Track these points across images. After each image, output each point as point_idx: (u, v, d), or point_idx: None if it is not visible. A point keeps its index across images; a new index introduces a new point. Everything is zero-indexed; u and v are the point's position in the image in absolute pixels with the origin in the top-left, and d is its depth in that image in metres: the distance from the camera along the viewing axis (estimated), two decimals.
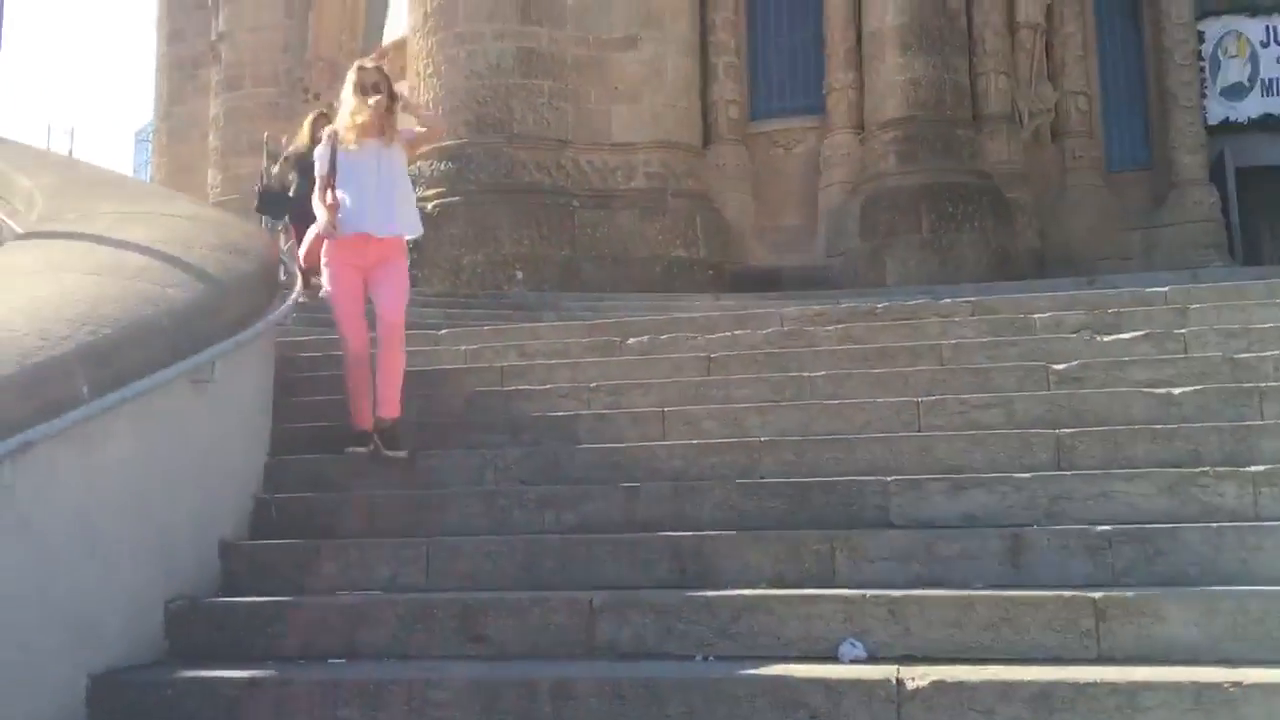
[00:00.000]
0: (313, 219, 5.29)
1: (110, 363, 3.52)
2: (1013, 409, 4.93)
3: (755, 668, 3.27)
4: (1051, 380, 5.28)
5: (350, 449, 4.96)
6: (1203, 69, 15.11)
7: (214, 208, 9.52)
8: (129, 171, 33.82)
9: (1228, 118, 15.31)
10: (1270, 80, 15.41)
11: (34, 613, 3.20)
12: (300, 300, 6.33)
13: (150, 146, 28.83)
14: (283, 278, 6.01)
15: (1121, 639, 3.28)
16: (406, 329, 5.25)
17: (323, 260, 5.15)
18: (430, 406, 5.70)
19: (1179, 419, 4.69)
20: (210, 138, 20.46)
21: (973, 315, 6.52)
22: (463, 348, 6.94)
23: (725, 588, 3.73)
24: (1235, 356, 5.22)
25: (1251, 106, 15.37)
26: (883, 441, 4.66)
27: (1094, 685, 2.99)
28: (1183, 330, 5.78)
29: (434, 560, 4.13)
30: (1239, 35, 15.51)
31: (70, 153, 23.94)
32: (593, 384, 5.80)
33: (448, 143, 12.45)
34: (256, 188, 10.53)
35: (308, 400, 5.63)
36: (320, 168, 5.06)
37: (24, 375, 3.21)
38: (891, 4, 13.26)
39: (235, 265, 4.75)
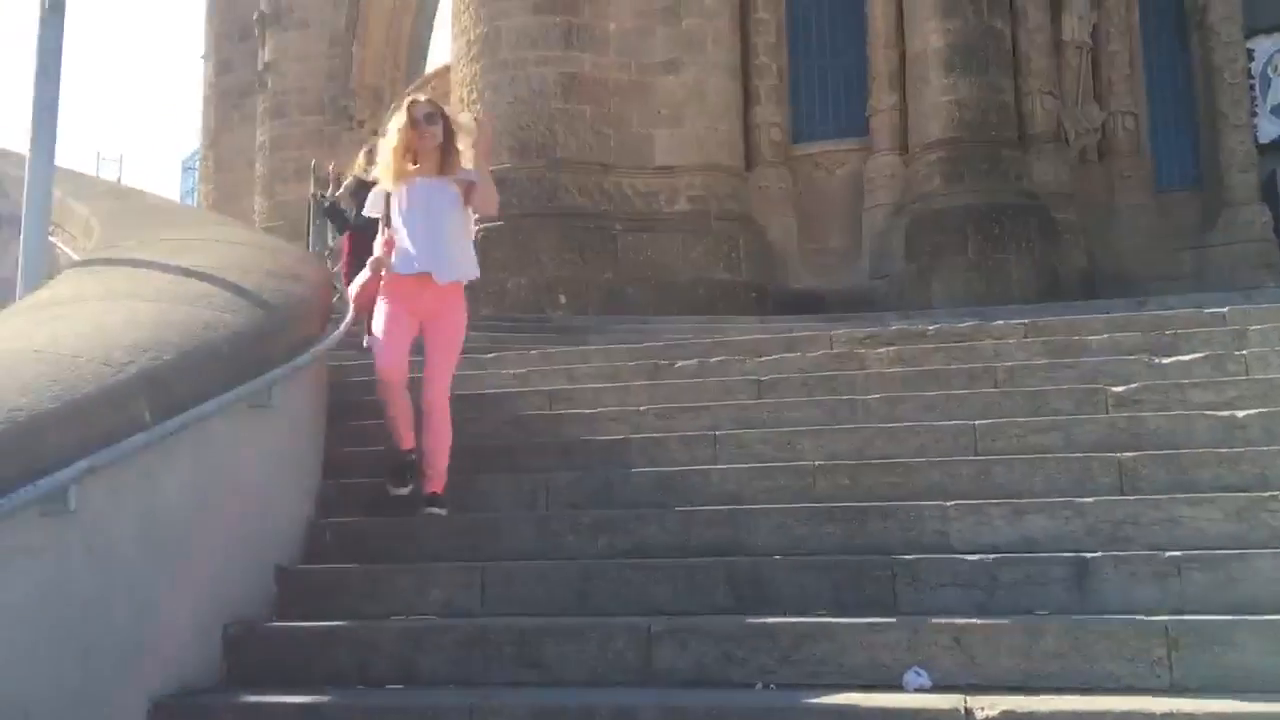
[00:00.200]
0: (368, 255, 4.92)
1: (172, 388, 3.55)
2: (1071, 432, 4.85)
3: (818, 696, 3.22)
4: (1110, 403, 5.20)
5: (393, 489, 4.70)
6: (1253, 87, 14.90)
7: (267, 234, 9.60)
8: (175, 199, 34.33)
9: (1279, 136, 15.09)
10: None
11: (97, 637, 3.22)
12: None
13: (196, 174, 29.32)
14: (336, 304, 6.04)
15: (1195, 668, 3.20)
16: None
17: (377, 303, 4.78)
18: (479, 431, 5.69)
19: (1244, 442, 4.59)
20: (256, 165, 20.78)
21: (1026, 337, 6.44)
22: (510, 371, 6.95)
23: (784, 614, 3.67)
24: None
25: None
26: (940, 465, 4.60)
27: (1169, 716, 2.91)
28: (1243, 352, 5.68)
29: (489, 585, 4.11)
30: None
31: (119, 180, 24.37)
32: (642, 407, 5.78)
33: (491, 168, 12.54)
34: (315, 196, 10.67)
35: (359, 424, 5.64)
36: (376, 208, 4.81)
37: (89, 401, 3.23)
38: (936, 25, 13.23)
39: (290, 291, 4.78)
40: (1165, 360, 5.67)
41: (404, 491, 4.71)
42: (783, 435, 5.15)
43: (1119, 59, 14.46)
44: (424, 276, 4.62)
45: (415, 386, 4.76)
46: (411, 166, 4.69)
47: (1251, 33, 15.01)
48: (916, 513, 4.17)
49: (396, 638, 3.79)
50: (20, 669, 2.94)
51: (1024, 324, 6.78)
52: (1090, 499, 4.12)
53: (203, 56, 23.72)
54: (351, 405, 5.92)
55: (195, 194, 26.90)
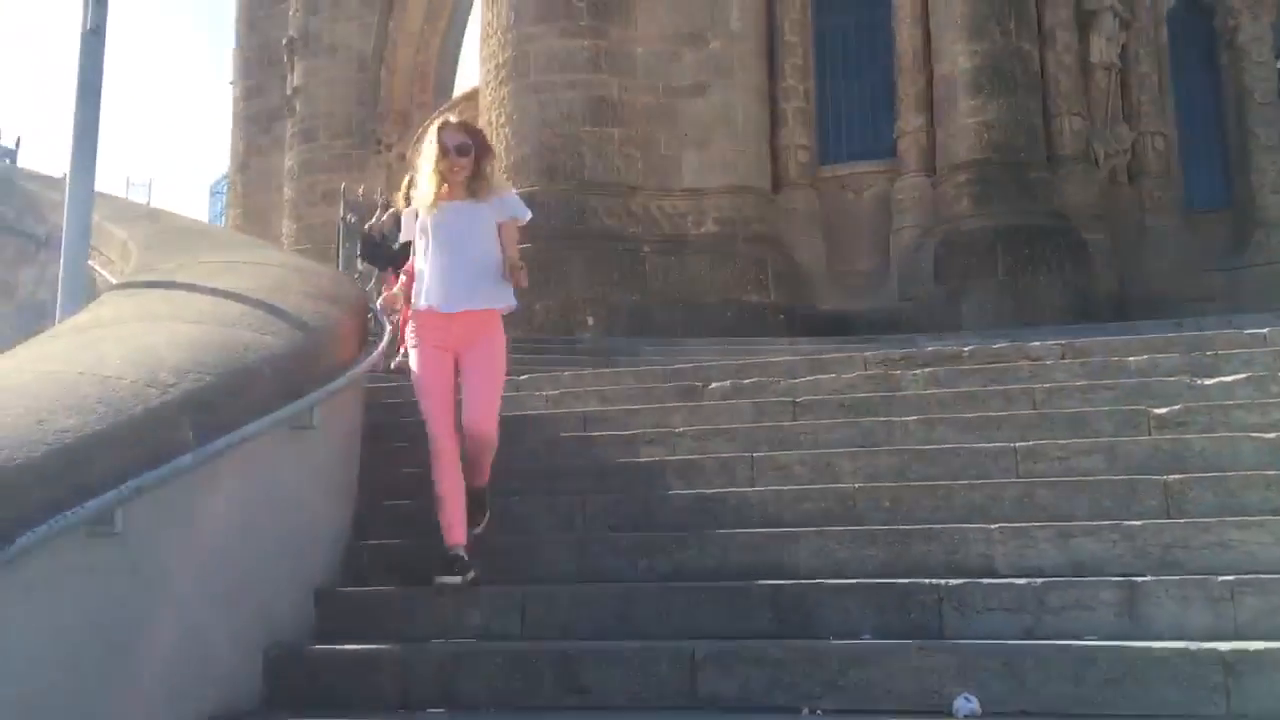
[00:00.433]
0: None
1: (215, 410, 3.55)
2: (1114, 454, 4.79)
3: None
4: (1152, 425, 5.13)
5: (439, 579, 4.11)
6: None
7: (302, 256, 9.66)
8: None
9: None
10: None
11: (142, 659, 3.21)
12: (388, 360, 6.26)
13: (224, 198, 29.57)
14: (372, 325, 6.05)
15: (1253, 694, 3.13)
16: None
17: (408, 339, 4.50)
18: (514, 453, 5.65)
19: None
20: (285, 188, 20.95)
21: (1064, 358, 6.38)
22: (543, 393, 6.95)
23: (829, 638, 3.63)
24: None
25: None
26: (981, 488, 4.54)
27: None
28: None
29: (529, 608, 4.08)
30: None
31: (148, 204, 24.63)
32: (677, 429, 5.76)
33: (519, 190, 12.59)
34: (344, 219, 10.70)
35: (395, 446, 5.64)
36: (410, 232, 4.51)
37: (134, 423, 3.24)
38: (963, 47, 13.23)
39: (328, 313, 4.79)
40: (1207, 381, 5.60)
41: (456, 581, 4.13)
42: (820, 457, 5.11)
43: (1148, 80, 14.42)
44: (447, 311, 4.28)
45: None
46: (441, 189, 4.39)
47: None
48: (960, 536, 4.12)
49: (437, 661, 3.77)
50: (67, 691, 2.93)
51: (1061, 345, 6.72)
52: (1137, 522, 4.06)
53: (231, 82, 23.98)
54: (386, 426, 5.92)
55: (223, 218, 27.13)
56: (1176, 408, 5.21)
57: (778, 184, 14.11)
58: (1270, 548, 3.88)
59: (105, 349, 3.71)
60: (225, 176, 28.11)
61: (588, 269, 13.08)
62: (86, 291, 5.49)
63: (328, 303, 4.94)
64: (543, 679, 3.63)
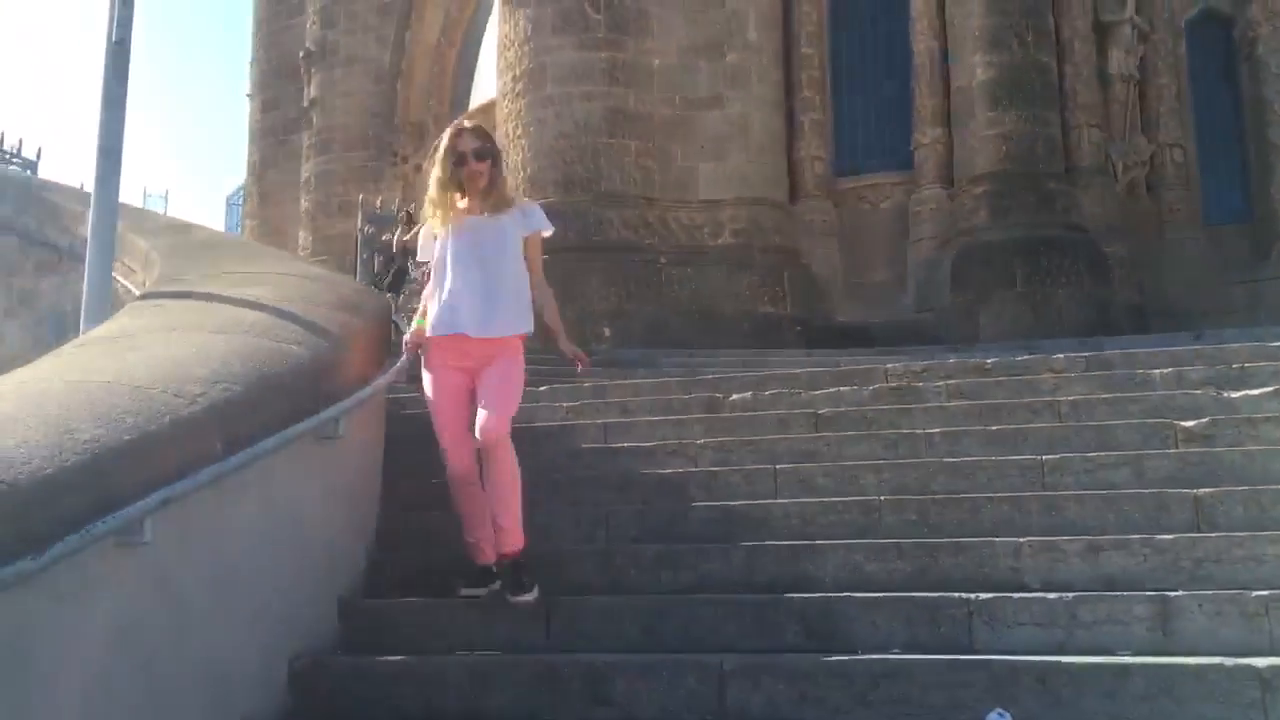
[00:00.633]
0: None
1: (242, 421, 3.54)
2: (1142, 468, 4.76)
3: None
4: (1179, 438, 5.09)
5: (465, 590, 4.09)
6: None
7: (325, 267, 9.67)
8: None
9: None
10: None
11: (172, 670, 3.20)
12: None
13: (240, 210, 29.69)
14: (394, 336, 6.04)
15: None
16: None
17: (423, 361, 4.29)
18: (535, 464, 5.62)
19: None
20: (302, 200, 21.02)
21: (1088, 370, 6.35)
22: (563, 404, 6.94)
23: (857, 652, 3.60)
24: None
25: None
26: (1009, 501, 4.51)
27: None
28: None
29: (554, 620, 4.06)
30: None
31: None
32: (699, 441, 5.74)
33: (537, 202, 12.61)
34: (362, 230, 10.65)
35: (416, 457, 5.62)
36: (428, 251, 4.29)
37: (163, 433, 3.23)
38: (981, 59, 13.21)
39: (352, 323, 4.79)
40: (1234, 394, 5.56)
41: (481, 592, 4.11)
42: (844, 470, 5.09)
43: (1166, 91, 14.37)
44: (464, 335, 4.09)
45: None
46: (459, 204, 4.15)
47: None
48: (989, 549, 4.08)
49: (463, 673, 3.75)
50: (96, 702, 2.92)
51: (1085, 357, 6.69)
52: (1168, 536, 4.03)
53: (248, 94, 24.09)
54: (408, 437, 5.90)
55: (240, 229, 27.23)
56: (1203, 421, 5.18)
57: (794, 195, 14.10)
58: None
59: (132, 359, 3.71)
60: (241, 188, 28.24)
61: (604, 281, 13.07)
62: (110, 301, 5.50)
63: (351, 313, 4.93)
64: (569, 692, 3.61)
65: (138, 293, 6.12)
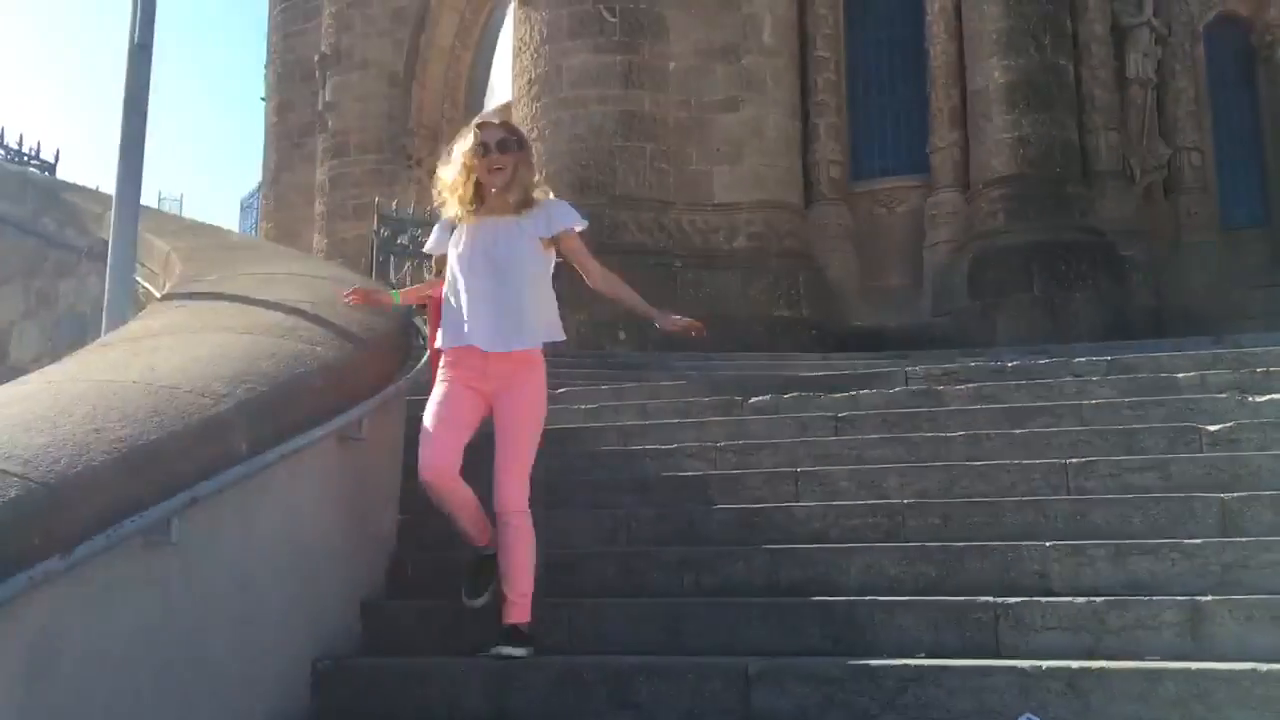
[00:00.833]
0: None
1: (267, 420, 3.54)
2: (1168, 471, 4.72)
3: None
4: (1205, 442, 5.05)
5: (466, 600, 3.90)
6: None
7: (346, 268, 9.68)
8: None
9: None
10: None
11: (196, 671, 3.19)
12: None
13: (256, 213, 29.77)
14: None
15: None
16: None
17: (437, 375, 3.97)
18: (554, 466, 5.63)
19: None
20: (316, 203, 21.04)
21: (1110, 374, 6.31)
22: (581, 406, 6.93)
23: (883, 656, 3.57)
24: None
25: None
26: (1033, 505, 4.48)
27: None
28: None
29: (575, 622, 4.05)
30: None
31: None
32: (719, 443, 5.72)
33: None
34: (377, 233, 10.60)
35: None
36: (441, 245, 3.98)
37: (189, 432, 3.23)
38: (998, 62, 13.15)
39: (374, 324, 4.78)
40: (1259, 399, 5.51)
41: (478, 603, 3.88)
42: (866, 473, 5.06)
43: (1184, 95, 14.29)
44: (478, 349, 3.79)
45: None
46: (476, 198, 3.84)
47: None
48: (1014, 553, 4.05)
49: (486, 675, 3.73)
50: (122, 702, 2.92)
51: (1106, 360, 6.65)
52: (1196, 541, 3.99)
53: (262, 98, 24.14)
54: None
55: (255, 231, 27.30)
56: (1228, 425, 5.13)
57: (810, 199, 14.06)
58: None
59: (158, 359, 3.71)
60: (255, 191, 28.31)
61: None
62: (132, 303, 5.51)
63: (373, 314, 4.92)
64: (594, 694, 3.59)
65: (158, 294, 6.13)
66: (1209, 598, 3.64)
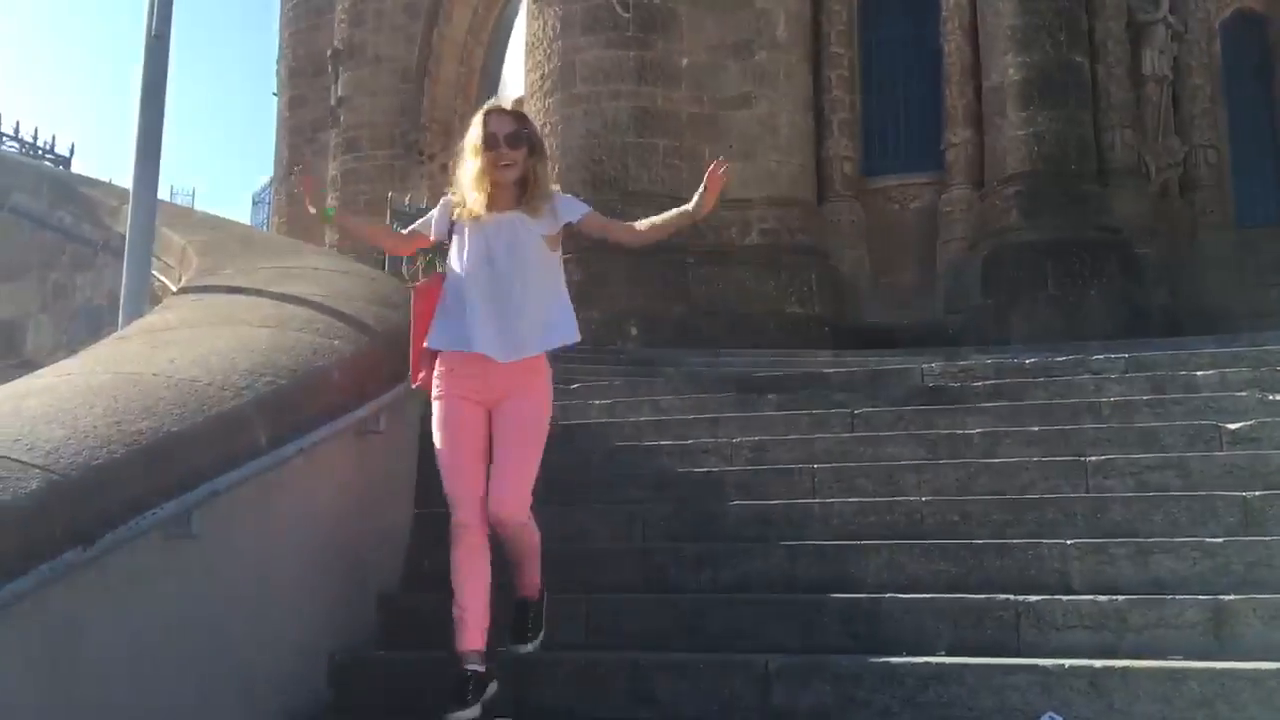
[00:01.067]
0: None
1: (286, 413, 3.54)
2: (1188, 469, 4.69)
3: None
4: (1225, 440, 5.02)
5: (451, 713, 3.30)
6: None
7: (361, 263, 9.69)
8: None
9: None
10: None
11: (215, 663, 3.19)
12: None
13: (267, 208, 29.80)
14: None
15: None
16: None
17: (434, 386, 3.64)
18: (569, 462, 5.61)
19: None
20: (328, 198, 21.02)
21: (1128, 372, 6.27)
22: (595, 402, 6.92)
23: (903, 654, 3.55)
24: None
25: None
26: (1052, 503, 4.46)
27: None
28: None
29: (593, 618, 4.04)
30: None
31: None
32: (735, 440, 5.70)
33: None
34: (390, 228, 10.58)
35: None
36: (439, 231, 3.69)
37: (208, 426, 3.23)
38: (1013, 59, 13.08)
39: (390, 318, 4.76)
40: (1278, 397, 5.47)
41: (466, 715, 3.35)
42: (883, 470, 5.04)
43: (1200, 93, 14.20)
44: (483, 356, 3.51)
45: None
46: (484, 195, 3.54)
47: None
48: (1034, 551, 4.03)
49: (503, 670, 3.72)
50: (142, 693, 2.91)
51: (1124, 358, 6.61)
52: (1219, 539, 3.96)
53: (275, 92, 24.17)
54: None
55: (266, 226, 27.32)
56: (1249, 423, 5.10)
57: (823, 196, 14.01)
58: None
59: (177, 352, 3.71)
60: (267, 185, 28.34)
61: (631, 280, 13.02)
62: (149, 296, 5.51)
63: (389, 308, 4.91)
64: (612, 690, 3.59)
65: (174, 288, 6.12)
66: (1232, 596, 3.61)
